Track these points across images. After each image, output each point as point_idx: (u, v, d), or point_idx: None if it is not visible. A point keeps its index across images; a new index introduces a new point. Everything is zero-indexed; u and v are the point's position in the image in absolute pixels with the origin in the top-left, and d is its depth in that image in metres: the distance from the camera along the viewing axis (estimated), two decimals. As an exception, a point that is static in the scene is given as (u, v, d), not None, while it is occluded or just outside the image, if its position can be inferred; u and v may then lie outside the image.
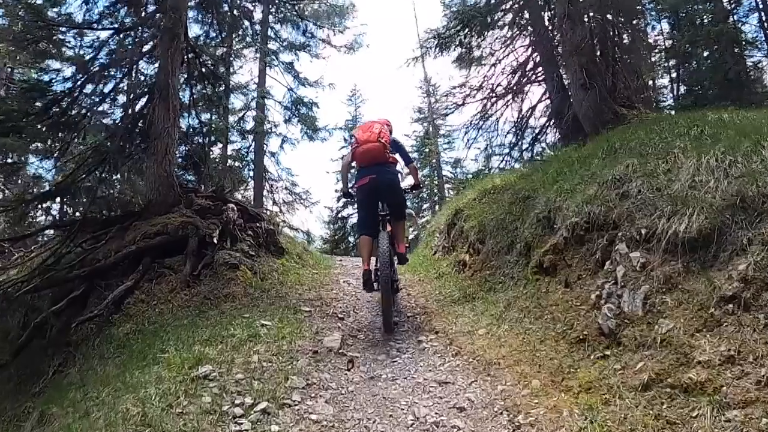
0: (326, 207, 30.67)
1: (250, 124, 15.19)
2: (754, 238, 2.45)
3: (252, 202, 15.01)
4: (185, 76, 8.27)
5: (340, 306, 4.90)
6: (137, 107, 7.14)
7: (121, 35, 7.22)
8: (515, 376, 2.94)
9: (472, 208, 5.60)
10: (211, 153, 10.32)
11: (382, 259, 3.83)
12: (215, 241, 5.59)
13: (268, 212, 7.03)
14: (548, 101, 12.50)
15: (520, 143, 12.37)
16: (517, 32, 11.43)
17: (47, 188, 9.19)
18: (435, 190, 23.44)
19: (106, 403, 2.92)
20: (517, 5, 10.94)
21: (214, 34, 8.84)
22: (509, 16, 11.25)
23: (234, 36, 14.92)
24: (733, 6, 12.99)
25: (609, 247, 3.21)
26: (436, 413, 2.71)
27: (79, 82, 6.53)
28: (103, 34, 6.99)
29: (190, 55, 7.60)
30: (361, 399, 2.95)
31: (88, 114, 6.77)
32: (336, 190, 27.46)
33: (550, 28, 10.50)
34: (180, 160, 8.75)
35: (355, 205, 4.63)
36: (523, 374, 2.93)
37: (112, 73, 7.02)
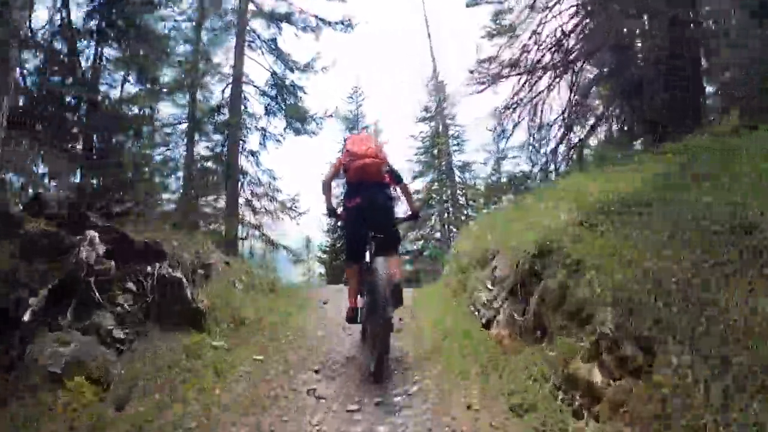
0: (326, 214, 27.81)
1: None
2: None
3: (225, 211, 12.08)
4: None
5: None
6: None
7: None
8: None
9: (585, 247, 2.57)
10: (137, 142, 7.25)
11: (379, 288, 2.97)
12: (31, 314, 2.61)
13: (201, 247, 3.89)
14: (605, 82, 9.56)
15: (568, 137, 9.39)
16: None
17: None
18: (445, 197, 20.39)
19: None
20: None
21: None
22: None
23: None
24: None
25: None
26: None
27: None
28: None
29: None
30: None
31: None
32: (335, 196, 25.46)
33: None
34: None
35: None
36: None
37: None
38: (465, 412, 2.45)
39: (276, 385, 2.99)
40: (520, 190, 9.24)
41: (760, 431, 1.42)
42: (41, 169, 5.21)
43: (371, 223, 3.39)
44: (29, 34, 5.26)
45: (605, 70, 8.84)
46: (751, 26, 6.26)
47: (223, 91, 12.72)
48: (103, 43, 5.82)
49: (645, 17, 8.26)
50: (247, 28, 12.90)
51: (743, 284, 1.91)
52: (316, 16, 12.65)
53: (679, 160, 4.10)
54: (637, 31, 8.65)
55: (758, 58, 6.06)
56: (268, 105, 12.57)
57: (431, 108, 22.90)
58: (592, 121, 9.32)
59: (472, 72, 8.99)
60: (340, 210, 3.81)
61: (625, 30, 8.25)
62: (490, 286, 3.66)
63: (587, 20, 8.75)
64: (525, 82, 8.89)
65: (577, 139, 9.25)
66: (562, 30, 8.70)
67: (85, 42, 5.87)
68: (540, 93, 9.03)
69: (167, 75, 10.97)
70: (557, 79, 8.96)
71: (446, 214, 20.12)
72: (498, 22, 9.27)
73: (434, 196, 19.77)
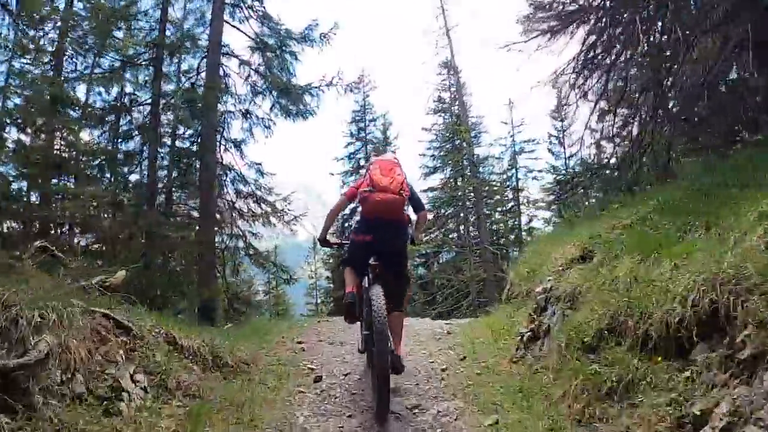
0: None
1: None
2: None
3: (199, 219, 9.57)
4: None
5: None
6: None
7: None
8: None
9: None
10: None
11: (378, 320, 2.79)
12: None
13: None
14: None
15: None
16: None
17: None
18: (463, 194, 17.69)
19: None
20: None
21: None
22: None
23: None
24: None
25: None
26: None
27: None
28: None
29: None
30: None
31: None
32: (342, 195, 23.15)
33: None
34: None
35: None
36: None
37: None
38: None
39: None
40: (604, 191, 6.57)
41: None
42: None
43: (379, 255, 3.19)
44: None
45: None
46: None
47: (198, 66, 10.27)
48: None
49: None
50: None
51: None
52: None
53: None
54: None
55: None
56: (254, 81, 10.01)
57: (445, 99, 20.28)
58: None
59: (529, 17, 6.32)
60: (333, 239, 3.75)
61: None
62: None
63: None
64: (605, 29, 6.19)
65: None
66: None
67: None
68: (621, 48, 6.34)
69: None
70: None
71: (470, 215, 17.48)
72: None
73: (456, 194, 17.08)
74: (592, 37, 6.27)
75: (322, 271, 24.40)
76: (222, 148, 10.23)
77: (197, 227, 9.39)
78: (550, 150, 22.97)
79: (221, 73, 10.11)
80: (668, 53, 5.93)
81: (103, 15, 7.93)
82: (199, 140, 9.87)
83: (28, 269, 3.74)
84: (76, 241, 7.01)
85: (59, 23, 7.41)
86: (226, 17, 10.21)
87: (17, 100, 6.83)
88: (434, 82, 18.86)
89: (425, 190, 18.54)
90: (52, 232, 6.72)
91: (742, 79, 5.71)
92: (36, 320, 2.46)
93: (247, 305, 9.64)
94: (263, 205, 9.62)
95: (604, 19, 6.11)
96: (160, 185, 9.36)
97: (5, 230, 6.41)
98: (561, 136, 23.32)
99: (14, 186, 7.21)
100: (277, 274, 9.26)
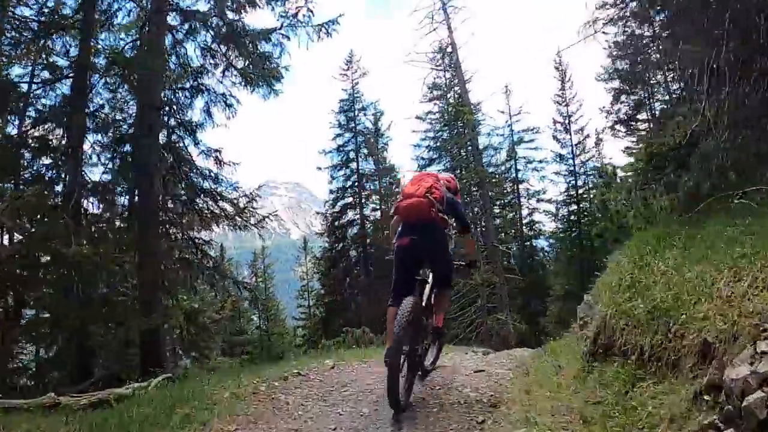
0: (319, 213, 23.24)
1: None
2: None
3: (136, 231, 7.36)
4: None
5: None
6: None
7: None
8: None
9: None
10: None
11: (398, 323, 3.04)
12: None
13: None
14: None
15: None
16: None
17: None
18: (470, 185, 15.56)
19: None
20: None
21: None
22: None
23: None
24: None
25: None
26: None
27: None
28: None
29: None
30: None
31: None
32: (331, 191, 21.12)
33: None
34: None
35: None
36: None
37: None
38: None
39: None
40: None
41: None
42: None
43: (421, 262, 3.55)
44: None
45: None
46: None
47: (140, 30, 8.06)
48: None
49: None
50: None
51: None
52: None
53: None
54: None
55: None
56: (205, 41, 7.80)
57: (441, 85, 18.21)
58: None
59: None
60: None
61: None
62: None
63: None
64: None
65: None
66: None
67: None
68: None
69: None
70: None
71: (474, 209, 15.39)
72: None
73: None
74: None
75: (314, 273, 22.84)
76: (170, 132, 8.07)
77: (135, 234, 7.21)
78: (555, 137, 21.15)
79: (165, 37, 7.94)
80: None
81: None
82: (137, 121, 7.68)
83: None
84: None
85: None
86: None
87: None
88: (429, 59, 16.69)
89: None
90: None
91: None
92: None
93: (204, 331, 7.44)
94: (220, 204, 7.42)
95: None
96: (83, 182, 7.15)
97: None
98: (566, 122, 21.54)
99: None
100: (237, 289, 7.09)
